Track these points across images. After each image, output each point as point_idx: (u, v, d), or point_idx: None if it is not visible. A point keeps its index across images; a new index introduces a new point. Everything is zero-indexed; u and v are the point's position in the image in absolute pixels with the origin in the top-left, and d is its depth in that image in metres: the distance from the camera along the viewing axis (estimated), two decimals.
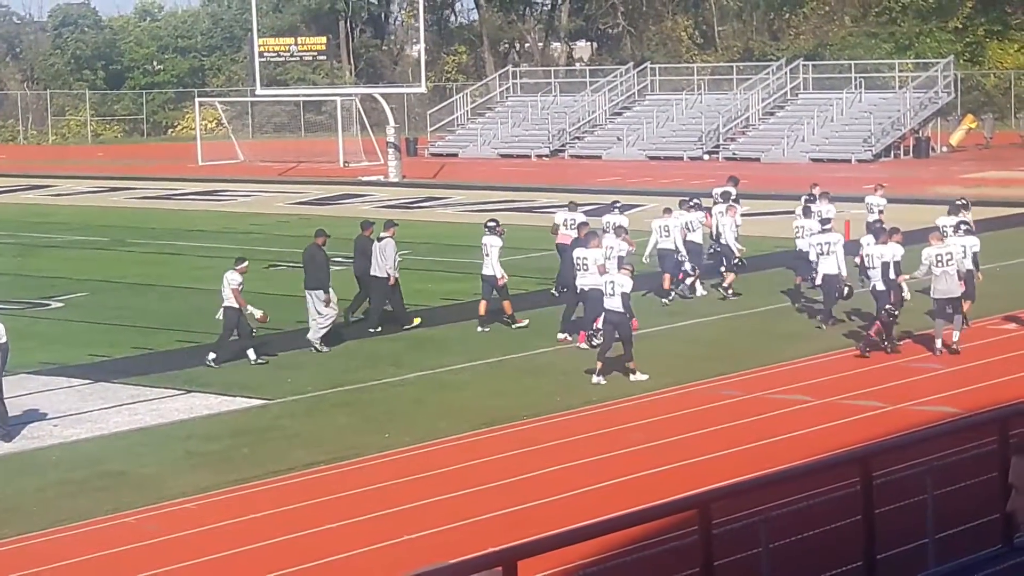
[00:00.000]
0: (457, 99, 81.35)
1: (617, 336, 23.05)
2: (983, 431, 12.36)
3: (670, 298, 29.48)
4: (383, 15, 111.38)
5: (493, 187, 56.38)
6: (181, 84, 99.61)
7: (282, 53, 74.79)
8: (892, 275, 24.10)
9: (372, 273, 27.57)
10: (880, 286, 24.10)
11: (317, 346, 25.81)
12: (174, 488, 17.67)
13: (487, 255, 27.52)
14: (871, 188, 34.16)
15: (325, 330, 25.96)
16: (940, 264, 24.05)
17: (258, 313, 24.93)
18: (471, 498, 16.88)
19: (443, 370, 24.14)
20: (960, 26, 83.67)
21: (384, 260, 27.35)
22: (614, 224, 29.36)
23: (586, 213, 31.02)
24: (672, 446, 18.91)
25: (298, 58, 78.29)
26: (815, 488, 14.01)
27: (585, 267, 25.48)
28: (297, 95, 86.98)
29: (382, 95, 71.63)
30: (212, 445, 19.83)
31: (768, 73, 72.53)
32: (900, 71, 71.84)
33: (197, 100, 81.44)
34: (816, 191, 32.44)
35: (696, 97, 73.86)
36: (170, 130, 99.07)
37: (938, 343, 23.93)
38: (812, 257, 27.54)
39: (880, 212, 31.91)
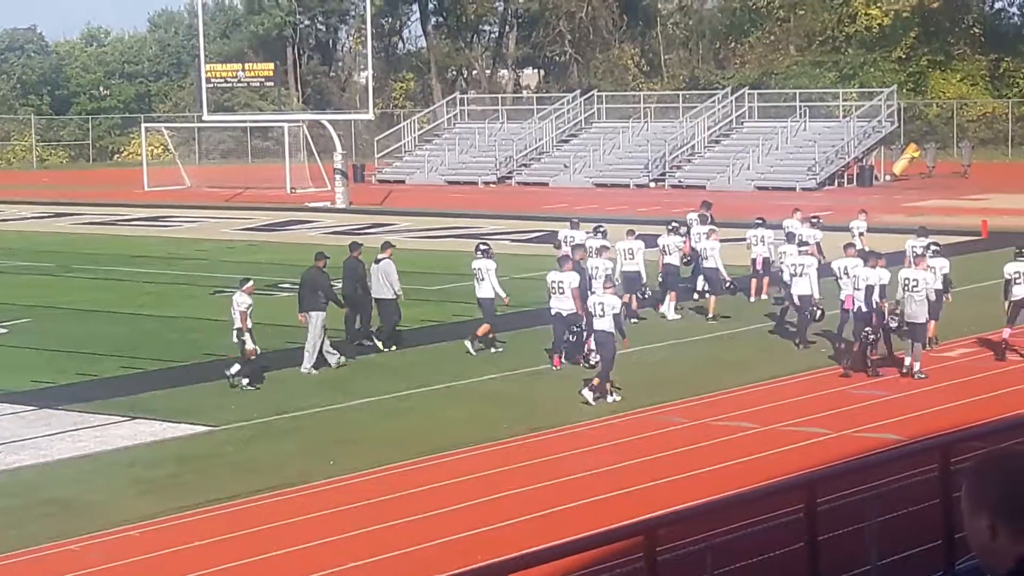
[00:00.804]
0: (404, 126, 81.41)
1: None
2: (925, 458, 12.45)
3: (636, 320, 29.68)
4: (331, 42, 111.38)
5: (440, 214, 56.40)
6: (127, 110, 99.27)
7: (229, 79, 74.70)
8: (877, 298, 24.44)
9: (376, 296, 28.04)
10: (864, 308, 24.43)
11: (310, 372, 25.93)
12: (118, 515, 17.56)
13: (482, 280, 27.69)
14: (855, 213, 34.56)
15: (315, 358, 26.06)
16: (907, 289, 24.37)
17: (250, 345, 24.88)
18: (416, 525, 16.84)
19: (390, 396, 24.10)
20: (903, 56, 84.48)
21: (388, 280, 27.86)
22: (597, 245, 29.56)
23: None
24: (617, 473, 18.94)
25: (245, 84, 78.21)
26: (760, 515, 14.08)
27: (561, 291, 25.60)
28: (244, 121, 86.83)
29: (329, 121, 71.63)
30: (156, 472, 19.72)
31: (714, 102, 72.96)
32: (844, 100, 72.45)
33: (143, 126, 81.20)
34: (798, 216, 32.92)
35: (642, 125, 74.21)
36: (116, 156, 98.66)
37: (906, 360, 24.33)
38: (786, 278, 27.88)
39: (861, 235, 32.18)
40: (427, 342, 28.79)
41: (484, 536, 16.28)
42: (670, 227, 32.17)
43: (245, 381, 24.73)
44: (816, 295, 27.21)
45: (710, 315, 30.38)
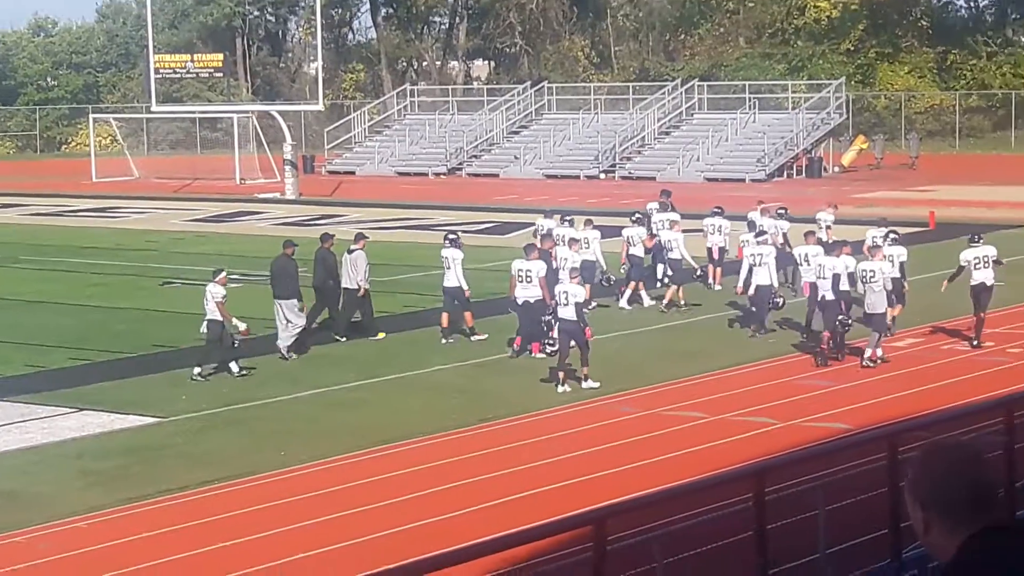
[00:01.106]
0: (354, 117, 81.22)
1: (573, 344, 23.41)
2: (873, 447, 12.52)
3: (592, 307, 29.75)
4: (280, 32, 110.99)
5: (391, 205, 56.31)
6: (75, 100, 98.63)
7: (178, 70, 74.36)
8: (845, 286, 24.82)
9: (345, 286, 28.08)
10: (829, 296, 24.68)
11: (285, 354, 26.17)
12: (66, 507, 17.46)
13: (448, 268, 27.79)
14: (823, 205, 34.89)
15: (294, 338, 26.35)
16: (865, 281, 24.71)
17: (242, 326, 24.91)
18: (365, 516, 16.83)
19: (339, 388, 24.07)
20: (852, 48, 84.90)
21: (355, 272, 27.90)
22: (567, 237, 29.68)
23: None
24: (568, 463, 18.96)
25: (194, 75, 77.96)
26: (709, 504, 14.12)
27: (528, 279, 25.87)
28: (193, 112, 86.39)
29: (279, 112, 71.38)
30: (104, 463, 19.62)
31: (664, 93, 73.11)
32: (793, 92, 72.73)
33: (91, 116, 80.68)
34: (759, 208, 33.44)
35: (593, 116, 74.29)
36: (64, 146, 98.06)
37: (867, 352, 24.56)
38: (745, 268, 28.02)
39: (828, 228, 32.32)
40: (376, 333, 28.70)
41: (434, 526, 16.27)
42: (634, 218, 32.59)
43: (236, 368, 24.78)
44: (775, 285, 27.64)
45: (665, 303, 30.50)
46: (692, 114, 72.51)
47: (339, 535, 16.10)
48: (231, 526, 16.58)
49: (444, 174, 72.91)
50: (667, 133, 71.58)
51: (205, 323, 24.95)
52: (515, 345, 26.13)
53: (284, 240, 28.37)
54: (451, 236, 28.81)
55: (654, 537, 12.40)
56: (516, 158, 72.28)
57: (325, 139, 79.99)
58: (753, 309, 27.96)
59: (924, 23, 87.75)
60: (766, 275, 27.39)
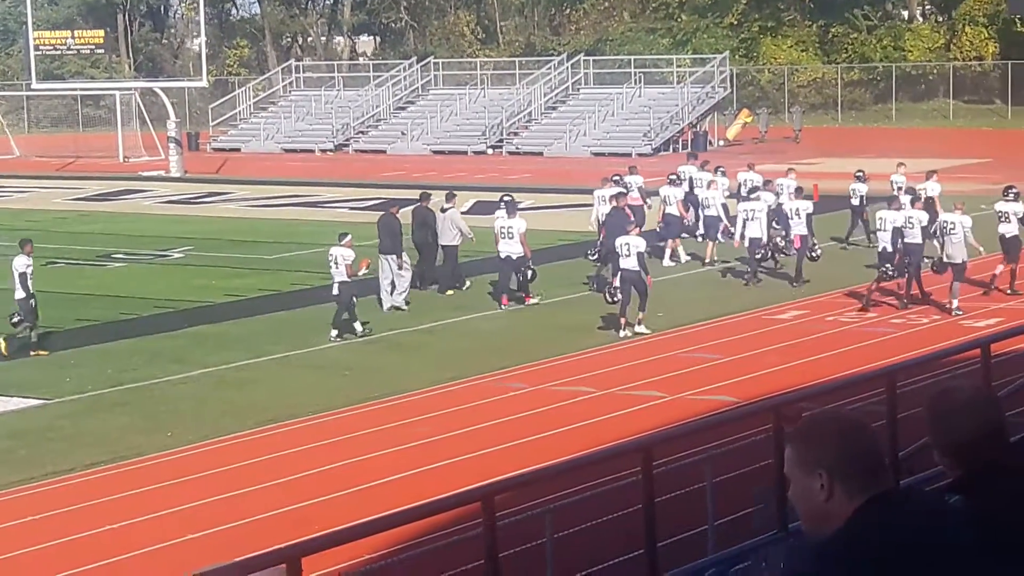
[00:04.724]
0: (239, 93, 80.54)
1: (635, 291, 25.28)
2: (759, 419, 12.65)
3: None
4: (162, 8, 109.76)
5: (277, 182, 55.97)
6: None
7: (58, 46, 73.27)
8: (917, 238, 26.89)
9: (441, 243, 30.11)
10: (888, 248, 26.81)
11: (403, 306, 28.05)
12: None
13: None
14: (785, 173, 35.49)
15: (406, 292, 28.24)
16: (944, 232, 26.59)
17: (363, 270, 26.26)
18: (255, 496, 16.76)
19: (226, 367, 23.90)
20: (735, 22, 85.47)
21: (452, 227, 29.96)
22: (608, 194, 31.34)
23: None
24: (457, 439, 19.00)
25: (75, 51, 76.80)
26: (598, 478, 14.20)
27: (509, 235, 27.93)
28: (74, 89, 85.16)
29: (162, 89, 70.65)
30: None
31: (550, 68, 73.21)
32: (678, 66, 73.09)
33: None
34: (751, 168, 35.89)
35: (479, 92, 74.23)
36: None
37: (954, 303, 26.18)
38: (740, 222, 30.26)
39: (790, 194, 32.63)
40: (265, 311, 28.58)
41: (322, 505, 16.24)
42: (670, 179, 34.31)
43: (360, 327, 25.68)
44: (764, 238, 29.92)
45: (706, 260, 32.31)
46: (578, 89, 72.70)
47: (226, 516, 16.01)
48: (118, 508, 16.43)
49: (331, 151, 72.55)
50: (554, 108, 71.72)
51: (336, 285, 25.74)
52: (503, 303, 28.09)
53: (389, 200, 30.73)
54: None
55: (543, 512, 12.47)
56: (403, 134, 72.09)
57: (210, 116, 79.23)
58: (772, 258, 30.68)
59: None
60: (758, 228, 29.60)
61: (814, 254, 30.30)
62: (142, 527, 15.78)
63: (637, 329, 25.19)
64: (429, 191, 31.99)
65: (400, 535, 12.11)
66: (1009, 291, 27.61)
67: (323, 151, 72.38)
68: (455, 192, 31.98)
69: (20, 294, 25.02)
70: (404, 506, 12.89)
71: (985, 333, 20.97)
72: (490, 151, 68.63)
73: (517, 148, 68.17)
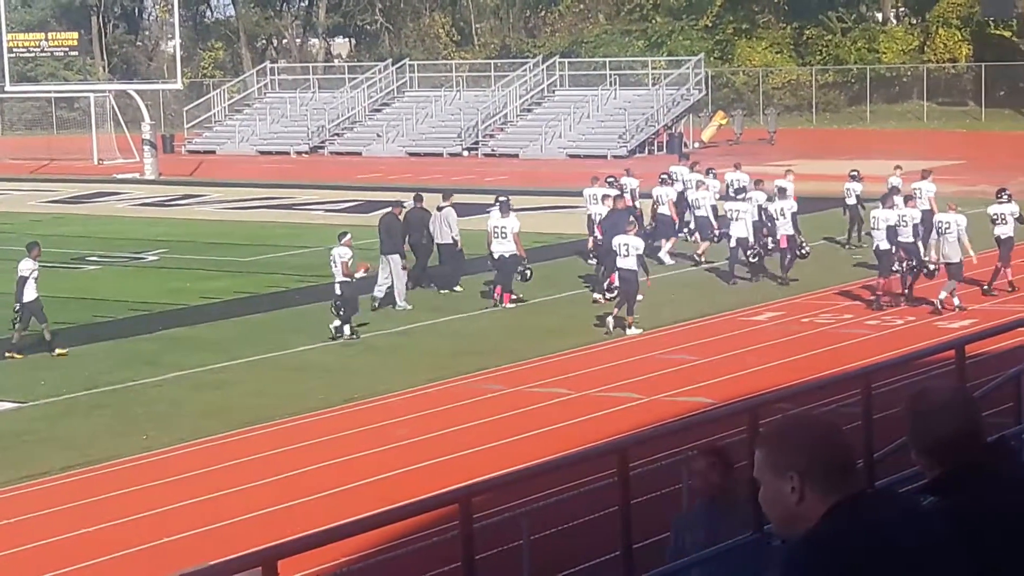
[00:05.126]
0: (214, 95, 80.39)
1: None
2: (735, 420, 12.66)
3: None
4: (137, 10, 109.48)
5: (252, 184, 55.86)
6: None
7: (32, 48, 73.07)
8: (908, 238, 27.18)
9: (439, 242, 30.17)
10: (884, 245, 26.93)
11: (405, 306, 28.17)
12: None
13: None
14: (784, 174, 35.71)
15: (404, 292, 28.42)
16: (940, 231, 26.87)
17: (361, 272, 26.09)
18: (232, 498, 16.74)
19: (202, 369, 23.85)
20: (710, 24, 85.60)
21: (448, 227, 29.93)
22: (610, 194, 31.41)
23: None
24: (434, 441, 18.99)
25: (49, 54, 76.57)
26: (575, 480, 14.22)
27: (503, 235, 28.32)
28: (48, 91, 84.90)
29: (137, 91, 70.47)
30: None
31: (525, 70, 73.21)
32: (653, 68, 73.14)
33: None
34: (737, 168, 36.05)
35: (455, 94, 74.21)
36: None
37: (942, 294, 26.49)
38: (727, 223, 30.71)
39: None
40: (240, 314, 28.53)
41: (299, 508, 16.22)
42: (661, 179, 34.73)
43: (347, 331, 25.54)
44: (751, 238, 29.97)
45: (701, 258, 32.66)
46: (554, 91, 72.70)
47: (202, 519, 15.98)
48: (95, 511, 16.39)
49: (306, 153, 72.44)
50: (529, 110, 71.73)
51: (337, 285, 25.65)
52: (495, 295, 28.40)
53: (393, 202, 30.74)
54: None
55: (521, 514, 12.48)
56: (379, 136, 72.03)
57: (184, 118, 79.07)
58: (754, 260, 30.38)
59: None
60: (743, 228, 29.82)
61: (803, 251, 30.43)
62: (118, 530, 15.74)
63: (629, 331, 25.37)
64: (422, 194, 32.02)
65: (377, 537, 12.11)
66: (985, 288, 27.83)
67: (298, 153, 72.26)
68: (452, 192, 32.09)
69: (27, 297, 24.97)
70: (381, 508, 12.89)
71: (960, 334, 21.04)
72: (466, 153, 68.61)
73: (493, 150, 68.15)
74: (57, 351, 24.90)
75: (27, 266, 25.15)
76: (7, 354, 24.77)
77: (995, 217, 28.38)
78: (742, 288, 29.69)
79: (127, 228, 42.96)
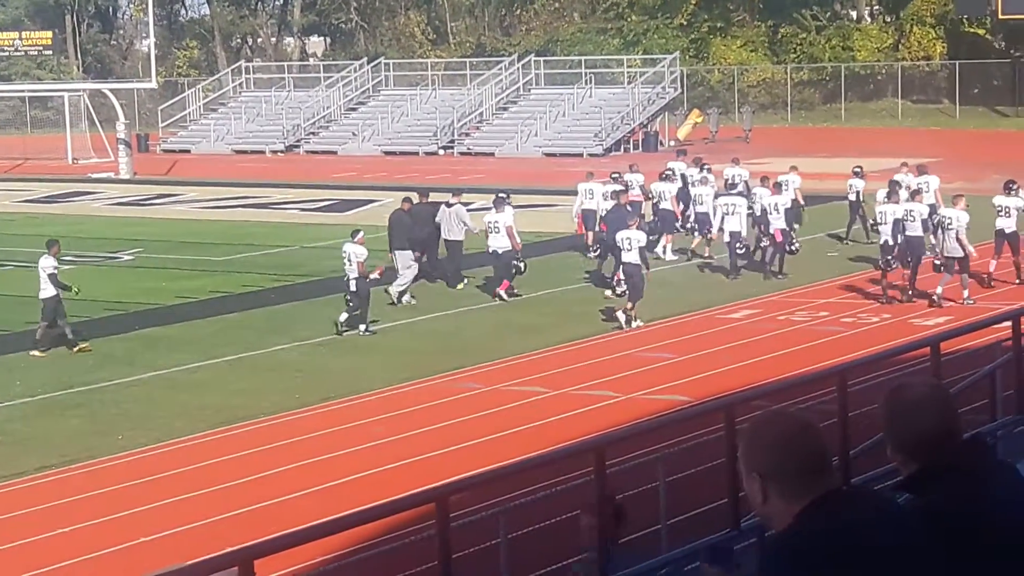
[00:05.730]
0: (189, 94, 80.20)
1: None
2: (711, 418, 12.68)
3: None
4: (111, 9, 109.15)
5: (227, 183, 55.73)
6: None
7: (6, 47, 72.89)
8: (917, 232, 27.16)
9: (446, 238, 30.46)
10: (890, 240, 27.11)
11: (396, 300, 28.28)
12: None
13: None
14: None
15: (406, 285, 28.60)
16: (943, 227, 26.76)
17: (375, 274, 26.38)
18: (208, 498, 16.70)
19: (178, 369, 23.80)
20: (685, 23, 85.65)
21: (458, 223, 30.26)
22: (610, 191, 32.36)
23: None
24: (411, 440, 18.97)
25: (23, 53, 76.34)
26: (552, 478, 14.22)
27: (496, 230, 28.76)
28: (22, 91, 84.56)
29: (111, 90, 70.27)
30: None
31: (500, 69, 73.19)
32: (628, 67, 73.21)
33: None
34: (736, 163, 36.69)
35: (430, 93, 74.16)
36: None
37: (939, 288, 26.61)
38: (718, 217, 30.88)
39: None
40: (216, 313, 28.47)
41: (275, 507, 16.19)
42: (663, 175, 34.87)
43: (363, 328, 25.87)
44: (744, 232, 30.13)
45: (705, 254, 32.64)
46: (529, 89, 72.69)
47: (177, 519, 15.95)
48: (71, 511, 16.35)
49: (282, 152, 72.32)
50: (505, 109, 71.70)
51: (353, 282, 25.70)
52: (501, 289, 28.66)
53: (404, 197, 30.85)
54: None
55: (498, 513, 12.47)
56: (354, 135, 71.94)
57: (159, 117, 78.85)
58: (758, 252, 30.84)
59: None
60: (737, 223, 30.05)
61: (792, 247, 30.49)
62: (94, 530, 15.70)
63: (634, 324, 25.69)
64: (428, 190, 32.34)
65: (354, 536, 12.09)
66: (991, 282, 28.11)
67: (274, 152, 72.15)
68: (461, 189, 32.40)
69: (46, 293, 24.96)
70: (358, 507, 12.87)
71: (935, 332, 21.11)
72: (441, 152, 68.56)
73: (468, 149, 68.12)
74: (79, 347, 24.87)
75: (47, 263, 25.13)
76: (31, 353, 24.72)
77: (999, 209, 28.42)
78: (720, 284, 29.70)
79: (102, 227, 42.85)
